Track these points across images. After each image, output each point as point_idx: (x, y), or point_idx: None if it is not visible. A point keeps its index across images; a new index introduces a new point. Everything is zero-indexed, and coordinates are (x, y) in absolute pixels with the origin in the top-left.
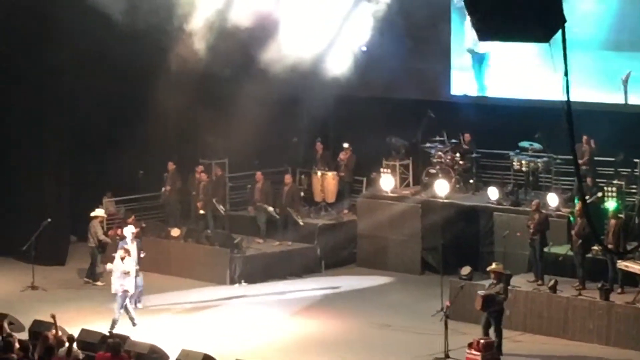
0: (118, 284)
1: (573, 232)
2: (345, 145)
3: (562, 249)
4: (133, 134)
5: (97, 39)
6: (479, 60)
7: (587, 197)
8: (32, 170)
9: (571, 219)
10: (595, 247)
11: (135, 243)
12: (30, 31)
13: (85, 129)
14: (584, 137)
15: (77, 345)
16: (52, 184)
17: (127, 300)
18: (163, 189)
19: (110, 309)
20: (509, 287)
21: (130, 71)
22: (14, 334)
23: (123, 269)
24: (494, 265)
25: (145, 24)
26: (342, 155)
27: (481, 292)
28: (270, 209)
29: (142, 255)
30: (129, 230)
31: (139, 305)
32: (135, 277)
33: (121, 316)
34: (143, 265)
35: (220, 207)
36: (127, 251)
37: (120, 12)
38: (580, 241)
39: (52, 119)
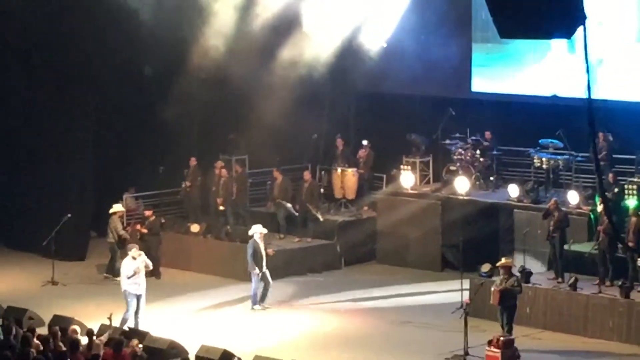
0: (145, 282)
1: (600, 229)
2: (364, 142)
3: (584, 247)
4: (153, 130)
5: (124, 34)
6: (500, 57)
7: (607, 194)
8: (53, 166)
9: (592, 216)
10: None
11: (263, 242)
12: (59, 23)
13: (106, 125)
14: (600, 134)
15: None
16: (72, 180)
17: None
18: (183, 184)
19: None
20: (529, 285)
21: (151, 67)
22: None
23: (147, 266)
24: (503, 260)
25: (169, 19)
26: (361, 153)
27: (496, 287)
28: (289, 205)
29: (270, 253)
30: (258, 230)
31: (262, 305)
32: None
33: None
34: (165, 261)
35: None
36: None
37: (146, 6)
38: (607, 238)
39: (74, 116)
